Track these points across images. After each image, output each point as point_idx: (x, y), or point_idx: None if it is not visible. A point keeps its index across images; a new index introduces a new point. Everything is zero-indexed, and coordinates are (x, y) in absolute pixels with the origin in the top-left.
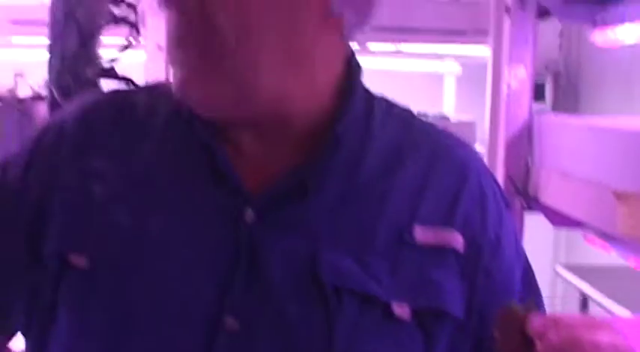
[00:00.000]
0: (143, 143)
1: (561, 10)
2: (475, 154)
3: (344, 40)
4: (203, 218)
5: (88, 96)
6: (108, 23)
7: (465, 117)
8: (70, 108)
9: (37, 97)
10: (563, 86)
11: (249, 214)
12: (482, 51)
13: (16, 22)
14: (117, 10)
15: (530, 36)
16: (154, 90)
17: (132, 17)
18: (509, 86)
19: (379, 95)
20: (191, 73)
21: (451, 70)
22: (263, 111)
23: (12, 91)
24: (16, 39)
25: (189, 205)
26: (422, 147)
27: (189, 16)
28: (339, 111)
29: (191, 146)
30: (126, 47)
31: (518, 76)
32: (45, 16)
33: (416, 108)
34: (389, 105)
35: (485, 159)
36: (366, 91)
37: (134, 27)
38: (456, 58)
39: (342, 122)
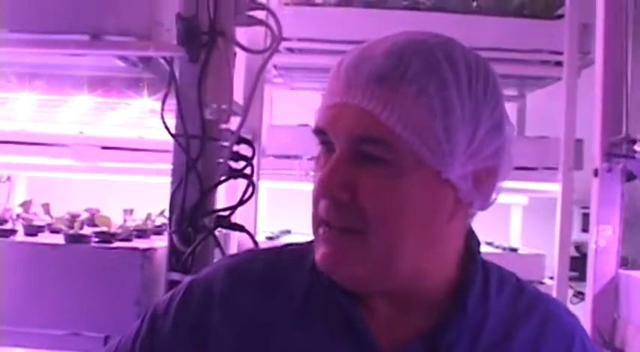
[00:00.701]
0: (285, 301)
1: None
2: (577, 319)
3: (468, 219)
4: None
5: (229, 257)
6: (226, 177)
7: (534, 250)
8: (215, 268)
9: (143, 232)
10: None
11: None
12: (550, 186)
13: (105, 148)
14: (234, 164)
15: (618, 198)
16: (285, 251)
17: (248, 171)
18: (596, 244)
19: (489, 261)
20: (337, 251)
21: (518, 201)
22: (400, 285)
23: (124, 228)
24: (102, 163)
25: None
26: (533, 313)
27: (340, 203)
28: (464, 281)
29: (329, 307)
30: (242, 202)
31: (606, 235)
32: (130, 144)
33: (482, 237)
34: (500, 273)
35: (554, 292)
36: (481, 259)
37: (250, 181)
38: (523, 190)
39: (470, 293)
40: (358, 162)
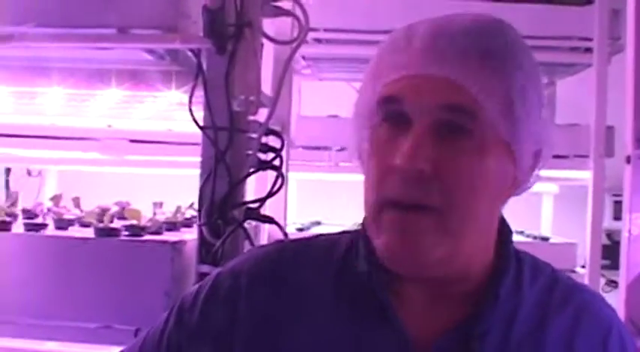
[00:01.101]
0: (313, 291)
1: None
2: (614, 311)
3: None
4: None
5: (257, 247)
6: (255, 169)
7: (565, 239)
8: (242, 259)
9: (172, 225)
10: None
11: None
12: (581, 174)
13: (133, 141)
14: (263, 156)
15: None
16: (315, 241)
17: (277, 163)
18: (629, 232)
19: (522, 250)
20: (411, 235)
21: (549, 190)
22: (453, 271)
23: (154, 221)
24: (129, 156)
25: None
26: (568, 304)
27: (423, 176)
28: (497, 270)
29: (360, 295)
30: (272, 193)
31: (639, 223)
32: (159, 137)
33: (513, 226)
34: (534, 262)
35: (586, 281)
36: (514, 248)
37: (279, 172)
38: (554, 178)
39: (502, 282)
40: (441, 135)
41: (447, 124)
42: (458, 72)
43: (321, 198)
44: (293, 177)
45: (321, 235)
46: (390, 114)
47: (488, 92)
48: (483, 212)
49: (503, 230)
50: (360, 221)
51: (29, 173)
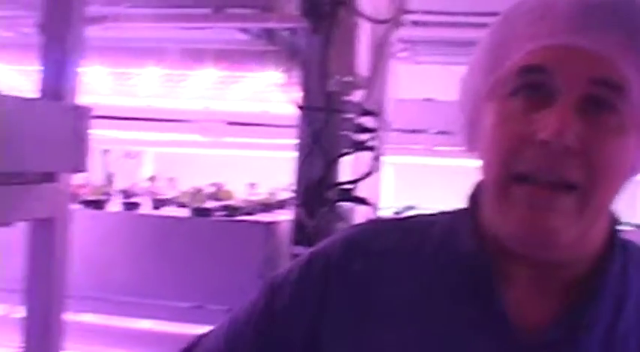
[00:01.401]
0: (406, 273)
1: None
2: None
3: None
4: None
5: (350, 227)
6: (351, 150)
7: None
8: (335, 238)
9: (266, 206)
10: None
11: None
12: None
13: (231, 124)
14: (358, 137)
15: None
16: (409, 221)
17: (372, 143)
18: None
19: (627, 239)
20: (550, 212)
21: None
22: (573, 256)
23: (248, 202)
24: (226, 138)
25: (460, 341)
26: None
27: (570, 152)
28: (605, 257)
29: (459, 279)
30: (366, 174)
31: None
32: (255, 119)
33: None
34: (639, 249)
35: None
36: (621, 238)
37: (374, 153)
38: None
39: (610, 269)
40: (585, 110)
41: (594, 99)
42: (606, 44)
43: (417, 182)
44: (390, 161)
45: (417, 215)
46: (527, 85)
47: (635, 67)
48: (614, 195)
49: (612, 216)
50: (458, 205)
51: (127, 155)
